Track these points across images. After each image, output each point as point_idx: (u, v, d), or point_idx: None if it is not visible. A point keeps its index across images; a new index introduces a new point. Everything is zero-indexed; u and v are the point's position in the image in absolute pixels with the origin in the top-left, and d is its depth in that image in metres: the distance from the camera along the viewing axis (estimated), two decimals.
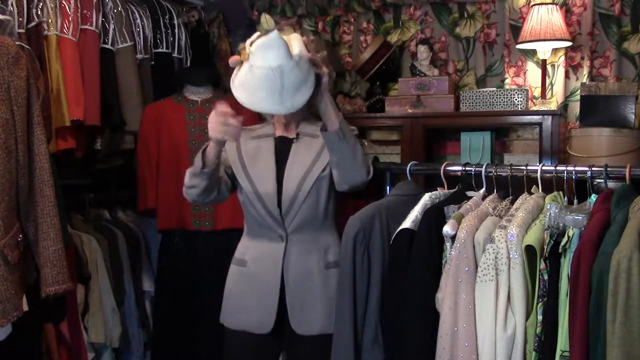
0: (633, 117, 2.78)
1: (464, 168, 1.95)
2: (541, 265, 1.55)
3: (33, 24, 2.44)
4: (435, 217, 1.71)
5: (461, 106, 3.02)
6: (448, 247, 1.65)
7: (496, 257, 1.56)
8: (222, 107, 1.79)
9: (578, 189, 1.82)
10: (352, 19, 3.59)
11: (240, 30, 3.72)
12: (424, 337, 1.64)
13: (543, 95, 2.99)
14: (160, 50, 3.10)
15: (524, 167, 1.88)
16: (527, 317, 1.54)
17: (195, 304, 2.75)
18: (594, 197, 1.68)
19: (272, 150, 2.02)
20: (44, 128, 1.92)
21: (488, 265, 1.56)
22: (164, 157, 2.75)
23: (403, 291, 1.69)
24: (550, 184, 1.82)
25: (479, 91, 3.01)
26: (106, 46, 2.78)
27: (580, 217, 1.55)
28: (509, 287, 1.55)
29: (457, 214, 1.69)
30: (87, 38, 2.66)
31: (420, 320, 1.65)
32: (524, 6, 3.19)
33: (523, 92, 2.93)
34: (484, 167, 1.91)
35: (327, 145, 1.88)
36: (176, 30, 3.18)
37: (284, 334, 2.01)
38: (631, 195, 1.60)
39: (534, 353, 1.54)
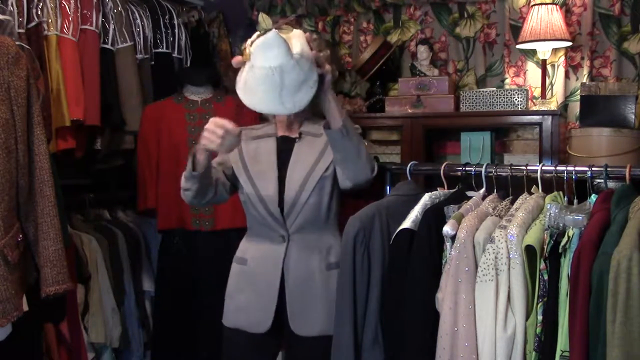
0: (633, 117, 2.78)
1: (464, 168, 1.95)
2: (541, 265, 1.55)
3: (33, 24, 2.44)
4: (435, 217, 1.71)
5: (461, 106, 3.02)
6: (448, 247, 1.65)
7: (496, 257, 1.56)
8: (219, 119, 1.79)
9: (578, 189, 1.82)
10: (352, 19, 3.59)
11: (240, 30, 3.72)
12: (424, 337, 1.63)
13: (543, 95, 2.99)
14: (160, 50, 3.10)
15: (524, 167, 1.87)
16: (527, 317, 1.54)
17: (195, 304, 2.75)
18: (594, 197, 1.68)
19: (274, 150, 2.01)
20: (44, 128, 1.92)
21: (488, 265, 1.55)
22: (164, 157, 2.75)
23: (403, 291, 1.69)
24: (550, 184, 1.82)
25: (479, 91, 3.01)
26: (106, 46, 2.78)
27: (580, 217, 1.55)
28: (509, 287, 1.55)
29: (457, 214, 1.69)
30: (87, 38, 2.66)
31: (420, 320, 1.65)
32: (524, 6, 3.19)
33: (523, 92, 2.93)
34: (484, 167, 1.91)
35: (331, 142, 1.87)
36: (176, 30, 3.18)
37: (282, 334, 2.01)
38: (631, 195, 1.60)
39: (534, 353, 1.53)
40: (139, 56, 2.96)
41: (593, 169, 1.76)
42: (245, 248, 2.06)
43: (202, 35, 3.44)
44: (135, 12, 2.98)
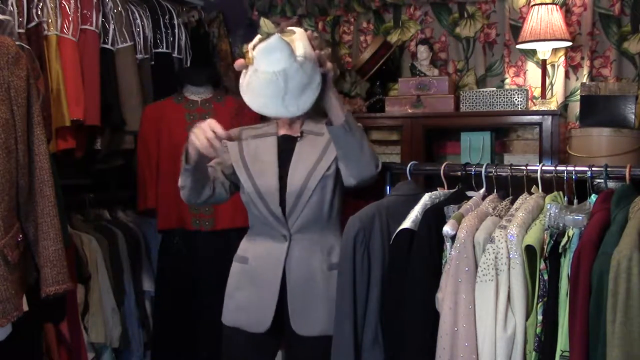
0: (633, 117, 2.78)
1: (464, 168, 1.95)
2: (541, 265, 1.55)
3: (33, 24, 2.44)
4: (435, 217, 1.71)
5: (461, 106, 3.02)
6: (448, 247, 1.65)
7: (496, 257, 1.56)
8: (215, 123, 1.79)
9: (578, 189, 1.82)
10: (352, 19, 3.59)
11: (240, 30, 3.73)
12: (424, 337, 1.63)
13: (543, 95, 2.99)
14: (160, 50, 3.10)
15: (524, 167, 1.87)
16: (527, 317, 1.54)
17: (195, 304, 2.75)
18: (594, 197, 1.68)
19: (275, 149, 2.01)
20: (44, 128, 1.92)
21: (488, 265, 1.55)
22: (164, 157, 2.75)
23: (403, 291, 1.69)
24: (550, 184, 1.82)
25: (479, 91, 3.01)
26: (106, 46, 2.79)
27: (580, 217, 1.55)
28: (509, 287, 1.55)
29: (457, 214, 1.69)
30: (87, 38, 2.66)
31: (420, 320, 1.65)
32: (524, 6, 3.19)
33: (523, 92, 2.93)
34: (484, 167, 1.91)
35: (334, 139, 1.86)
36: (176, 30, 3.18)
37: (281, 333, 2.00)
38: (631, 195, 1.60)
39: (534, 353, 1.53)
40: (139, 56, 2.96)
41: (593, 169, 1.76)
42: (247, 247, 2.05)
43: (202, 35, 3.44)
44: (135, 12, 2.98)
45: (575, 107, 3.07)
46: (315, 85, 1.72)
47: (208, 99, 2.79)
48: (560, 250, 1.54)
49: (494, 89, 3.03)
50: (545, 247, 1.55)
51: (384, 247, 1.82)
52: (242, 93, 1.75)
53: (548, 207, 1.60)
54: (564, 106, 3.10)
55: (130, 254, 2.93)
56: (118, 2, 2.84)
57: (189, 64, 3.25)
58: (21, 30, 2.38)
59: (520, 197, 1.79)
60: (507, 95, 2.95)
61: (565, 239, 1.54)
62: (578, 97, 2.98)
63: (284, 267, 1.95)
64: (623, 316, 1.34)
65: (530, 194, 1.81)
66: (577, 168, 1.80)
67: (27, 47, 2.36)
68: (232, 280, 2.07)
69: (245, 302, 2.00)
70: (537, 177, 1.84)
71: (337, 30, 3.63)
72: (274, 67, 1.63)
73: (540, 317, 1.54)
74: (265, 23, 1.66)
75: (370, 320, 1.79)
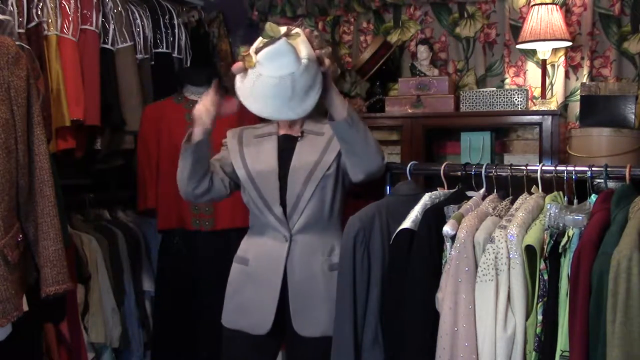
0: (633, 117, 2.78)
1: (464, 168, 1.95)
2: (541, 265, 1.55)
3: (33, 24, 2.44)
4: (435, 217, 1.71)
5: (461, 106, 3.02)
6: (448, 247, 1.65)
7: (496, 257, 1.56)
8: (212, 97, 1.83)
9: (578, 189, 1.82)
10: (352, 19, 3.59)
11: (240, 30, 3.73)
12: (424, 337, 1.63)
13: (543, 95, 2.99)
14: (160, 50, 3.10)
15: (524, 167, 1.87)
16: (527, 317, 1.54)
17: (195, 304, 2.75)
18: (594, 197, 1.68)
19: (275, 149, 2.00)
20: (44, 128, 1.92)
21: (488, 265, 1.56)
22: (164, 157, 2.75)
23: (403, 291, 1.69)
24: (550, 184, 1.82)
25: (479, 91, 3.01)
26: (106, 46, 2.79)
27: (580, 217, 1.55)
28: (509, 287, 1.55)
29: (457, 214, 1.69)
30: (87, 38, 2.66)
31: (420, 320, 1.65)
32: (524, 6, 3.19)
33: (523, 92, 2.93)
34: (484, 167, 1.91)
35: (338, 135, 1.84)
36: (176, 30, 3.18)
37: (282, 335, 2.00)
38: (631, 195, 1.60)
39: (534, 353, 1.53)
40: (139, 56, 2.96)
41: (593, 169, 1.76)
42: (247, 248, 2.05)
43: (202, 35, 3.44)
44: (135, 12, 2.98)
45: (575, 107, 3.07)
46: (318, 84, 1.70)
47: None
48: (560, 250, 1.54)
49: (494, 89, 3.03)
50: (545, 247, 1.55)
51: (384, 247, 1.82)
52: (243, 97, 1.70)
53: (548, 207, 1.60)
54: (564, 106, 3.10)
55: (130, 254, 2.93)
56: (118, 2, 2.84)
57: (189, 64, 3.25)
58: (21, 30, 2.38)
59: (520, 197, 1.79)
60: (507, 95, 2.95)
61: (565, 239, 1.54)
62: (578, 97, 2.98)
63: (285, 267, 1.94)
64: (623, 316, 1.34)
65: (530, 194, 1.81)
66: (577, 168, 1.80)
67: (27, 47, 2.36)
68: (232, 281, 2.06)
69: (246, 304, 1.99)
70: (537, 177, 1.84)
71: (337, 30, 3.63)
72: (280, 72, 1.59)
73: (540, 317, 1.54)
74: (271, 27, 1.63)
75: (370, 320, 1.79)
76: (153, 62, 3.07)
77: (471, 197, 1.84)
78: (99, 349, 2.76)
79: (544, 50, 2.99)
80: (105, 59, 2.76)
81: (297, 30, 1.67)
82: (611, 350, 1.35)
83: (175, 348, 2.79)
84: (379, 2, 3.44)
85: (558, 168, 1.83)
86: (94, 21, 2.68)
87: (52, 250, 1.91)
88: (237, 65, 1.68)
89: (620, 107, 2.80)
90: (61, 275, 1.94)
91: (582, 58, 3.09)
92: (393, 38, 3.46)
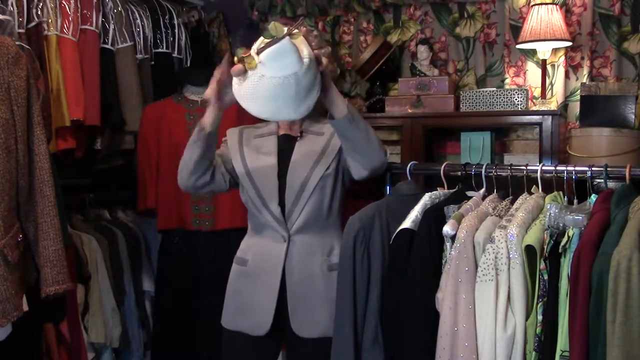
0: (633, 117, 2.78)
1: (464, 168, 1.95)
2: (541, 265, 1.55)
3: (33, 24, 2.44)
4: (435, 217, 1.71)
5: (461, 106, 3.02)
6: (448, 247, 1.65)
7: (496, 257, 1.56)
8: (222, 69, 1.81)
9: (578, 189, 1.82)
10: (352, 19, 3.59)
11: (240, 30, 3.73)
12: (424, 337, 1.63)
13: (543, 95, 2.99)
14: (160, 50, 3.10)
15: (524, 167, 1.87)
16: (527, 317, 1.54)
17: (195, 304, 2.75)
18: (594, 197, 1.68)
19: (275, 149, 2.00)
20: (44, 128, 1.92)
21: (488, 265, 1.56)
22: (164, 157, 2.75)
23: (403, 291, 1.69)
24: (550, 184, 1.82)
25: (479, 91, 3.01)
26: (106, 46, 2.78)
27: (580, 217, 1.55)
28: (509, 287, 1.55)
29: (457, 214, 1.69)
30: (87, 38, 2.66)
31: (420, 320, 1.65)
32: (524, 6, 3.19)
33: (523, 92, 2.93)
34: (484, 167, 1.91)
35: (340, 133, 1.84)
36: (176, 30, 3.18)
37: (282, 336, 2.00)
38: (631, 195, 1.60)
39: (534, 353, 1.53)
40: (139, 56, 2.96)
41: (593, 169, 1.76)
42: (246, 248, 2.04)
43: (202, 35, 3.44)
44: (135, 12, 2.98)
45: (575, 107, 3.07)
46: (318, 84, 1.70)
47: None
48: (560, 250, 1.54)
49: (494, 89, 3.03)
50: (545, 247, 1.55)
51: (384, 247, 1.82)
52: (243, 100, 1.67)
53: (548, 207, 1.60)
54: (564, 106, 3.10)
55: (130, 254, 2.93)
56: (118, 2, 2.84)
57: (189, 64, 3.25)
58: (21, 30, 2.38)
59: (520, 197, 1.79)
60: (507, 95, 2.95)
61: (565, 239, 1.54)
62: (578, 97, 2.98)
63: (284, 268, 1.94)
64: (623, 316, 1.34)
65: (530, 194, 1.81)
66: (577, 168, 1.80)
67: (27, 47, 2.36)
68: (231, 282, 2.06)
69: (245, 305, 1.99)
70: (537, 177, 1.84)
71: (337, 30, 3.63)
72: (284, 72, 1.57)
73: (540, 317, 1.54)
74: (275, 26, 1.60)
75: (370, 320, 1.79)
76: (153, 62, 3.06)
77: (471, 197, 1.84)
78: (99, 349, 2.76)
79: (544, 50, 2.99)
80: (105, 59, 2.76)
81: (298, 30, 1.66)
82: (611, 350, 1.35)
83: (175, 348, 2.79)
84: (379, 2, 3.44)
85: (558, 168, 1.83)
86: (94, 21, 2.68)
87: (52, 250, 1.91)
88: (237, 67, 1.63)
89: (620, 107, 2.80)
90: (61, 275, 1.94)
91: (582, 58, 3.09)
92: (393, 38, 3.46)
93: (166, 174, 2.72)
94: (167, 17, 3.15)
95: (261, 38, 1.64)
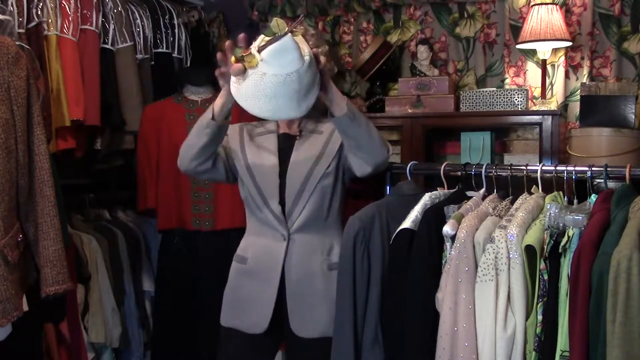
0: (633, 117, 2.78)
1: (464, 168, 1.95)
2: (541, 265, 1.55)
3: (33, 24, 2.44)
4: (435, 217, 1.71)
5: (461, 106, 3.02)
6: (448, 247, 1.65)
7: (496, 257, 1.56)
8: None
9: (578, 189, 1.82)
10: (352, 19, 3.59)
11: (240, 30, 3.72)
12: (424, 337, 1.63)
13: (543, 95, 2.99)
14: (160, 50, 3.10)
15: (524, 167, 1.87)
16: (527, 317, 1.54)
17: (195, 304, 2.75)
18: (594, 197, 1.68)
19: (275, 147, 2.00)
20: (44, 128, 1.92)
21: (488, 265, 1.56)
22: (164, 157, 2.75)
23: (403, 291, 1.69)
24: (550, 184, 1.82)
25: (479, 91, 3.01)
26: (106, 46, 2.78)
27: (580, 217, 1.55)
28: (509, 287, 1.55)
29: (457, 214, 1.69)
30: (87, 38, 2.66)
31: (420, 320, 1.65)
32: (524, 6, 3.19)
33: (523, 92, 2.94)
34: (484, 167, 1.91)
35: (341, 131, 1.83)
36: (176, 30, 3.18)
37: (280, 335, 1.99)
38: (631, 195, 1.60)
39: (534, 353, 1.53)
40: (139, 56, 2.96)
41: (593, 169, 1.76)
42: (246, 246, 2.04)
43: (202, 35, 3.44)
44: (135, 12, 2.98)
45: (575, 107, 3.08)
46: (317, 82, 1.69)
47: (208, 99, 2.79)
48: (560, 250, 1.54)
49: (494, 89, 3.03)
50: (545, 247, 1.55)
51: (384, 247, 1.82)
52: (243, 99, 1.64)
53: (548, 207, 1.60)
54: (564, 106, 3.11)
55: (130, 254, 2.93)
56: (118, 2, 2.84)
57: (189, 64, 3.25)
58: (21, 30, 2.38)
59: (520, 197, 1.79)
60: (507, 95, 2.95)
61: (565, 239, 1.54)
62: (578, 97, 2.98)
63: (283, 267, 1.94)
64: (623, 316, 1.34)
65: (530, 194, 1.81)
66: (577, 168, 1.80)
67: (27, 47, 2.35)
68: (230, 280, 2.06)
69: (243, 303, 1.98)
70: (537, 177, 1.84)
71: (337, 30, 3.63)
72: (287, 69, 1.55)
73: (540, 317, 1.54)
74: (278, 23, 1.58)
75: (370, 320, 1.79)
76: (153, 62, 3.06)
77: (471, 197, 1.84)
78: (99, 349, 2.76)
79: (544, 50, 2.99)
80: (105, 59, 2.76)
81: (300, 27, 1.65)
82: (611, 350, 1.35)
83: (175, 348, 2.79)
84: (379, 2, 3.44)
85: (558, 168, 1.83)
86: (94, 21, 2.68)
87: (52, 250, 1.91)
88: (236, 67, 1.60)
89: (620, 107, 2.80)
90: (61, 275, 1.93)
91: (582, 58, 3.09)
92: (393, 38, 3.47)
93: (166, 174, 2.72)
94: (167, 17, 3.15)
95: (261, 36, 1.62)
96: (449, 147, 3.16)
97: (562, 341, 1.49)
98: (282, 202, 1.94)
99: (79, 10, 2.61)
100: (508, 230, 1.58)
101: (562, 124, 2.89)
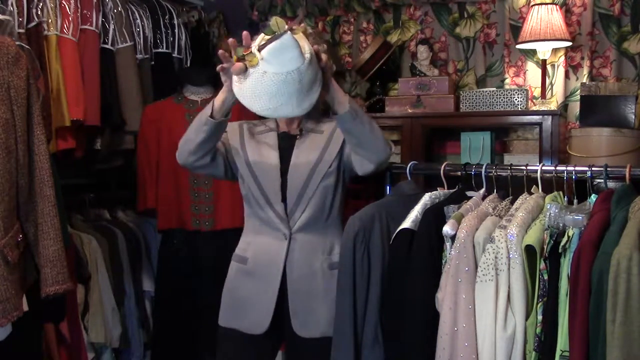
0: (633, 117, 2.78)
1: (464, 168, 1.95)
2: (541, 265, 1.55)
3: (33, 24, 2.44)
4: (435, 217, 1.71)
5: (461, 106, 3.02)
6: (448, 247, 1.65)
7: (496, 257, 1.56)
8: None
9: (578, 189, 1.82)
10: (352, 19, 3.59)
11: (240, 30, 3.72)
12: (424, 337, 1.63)
13: (543, 95, 2.99)
14: (160, 50, 3.10)
15: (524, 167, 1.87)
16: (527, 317, 1.54)
17: (195, 304, 2.75)
18: (594, 197, 1.68)
19: (276, 145, 1.99)
20: (44, 128, 1.92)
21: (488, 265, 1.56)
22: (164, 157, 2.75)
23: (403, 291, 1.69)
24: (550, 184, 1.82)
25: (479, 91, 3.01)
26: (106, 46, 2.78)
27: (580, 217, 1.55)
28: (509, 287, 1.55)
29: (457, 214, 1.69)
30: (87, 38, 2.66)
31: (420, 320, 1.65)
32: (524, 6, 3.19)
33: (523, 92, 2.94)
34: (484, 167, 1.91)
35: (344, 128, 1.82)
36: (176, 30, 3.18)
37: (279, 335, 1.98)
38: (631, 195, 1.60)
39: (534, 353, 1.54)
40: (139, 56, 2.96)
41: (593, 169, 1.76)
42: (246, 246, 2.02)
43: (202, 35, 3.44)
44: (135, 12, 2.98)
45: (575, 107, 3.08)
46: (319, 80, 1.69)
47: (208, 98, 2.79)
48: (560, 250, 1.54)
49: (494, 89, 3.03)
50: (545, 247, 1.55)
51: (384, 247, 1.81)
52: (245, 98, 1.65)
53: (548, 207, 1.60)
54: (564, 106, 3.11)
55: (130, 254, 2.93)
56: (118, 2, 2.84)
57: (189, 64, 3.25)
58: (21, 30, 2.38)
59: (520, 197, 1.79)
60: (507, 95, 2.95)
61: (565, 239, 1.54)
62: (578, 97, 2.98)
63: (284, 266, 1.93)
64: (623, 316, 1.34)
65: (530, 194, 1.81)
66: (577, 168, 1.80)
67: (27, 47, 2.36)
68: (229, 280, 2.04)
69: (243, 303, 1.97)
70: (537, 177, 1.84)
71: (337, 30, 3.63)
72: (287, 67, 1.56)
73: (540, 317, 1.54)
74: (277, 21, 1.59)
75: (370, 319, 1.79)
76: (153, 62, 3.06)
77: (471, 197, 1.84)
78: (99, 349, 2.76)
79: (544, 50, 3.00)
80: (105, 59, 2.76)
81: (299, 27, 1.66)
82: (611, 350, 1.35)
83: (175, 348, 2.79)
84: (379, 2, 3.44)
85: (558, 168, 1.83)
86: (94, 21, 2.68)
87: (52, 250, 1.91)
88: (238, 66, 1.61)
89: (620, 107, 2.80)
90: (61, 275, 1.93)
91: (582, 58, 3.09)
92: (393, 38, 3.47)
93: (166, 174, 2.72)
94: (167, 17, 3.15)
95: (262, 35, 1.63)
96: (449, 147, 3.16)
97: (562, 341, 1.49)
98: (283, 201, 1.94)
99: (79, 10, 2.61)
100: (508, 230, 1.58)
101: (562, 124, 2.89)
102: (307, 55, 1.59)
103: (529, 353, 1.54)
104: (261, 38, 1.62)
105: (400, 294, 1.69)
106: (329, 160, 1.94)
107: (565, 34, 2.89)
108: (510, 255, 1.55)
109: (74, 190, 2.80)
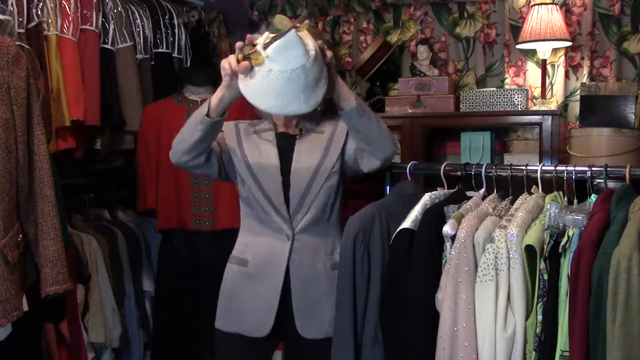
0: (633, 117, 2.78)
1: (464, 168, 1.95)
2: (541, 265, 1.55)
3: (33, 24, 2.44)
4: (435, 217, 1.71)
5: (461, 106, 3.02)
6: (448, 247, 1.65)
7: (496, 257, 1.56)
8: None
9: (578, 189, 1.82)
10: (352, 19, 3.59)
11: (240, 30, 3.73)
12: (424, 337, 1.63)
13: (543, 95, 2.99)
14: (160, 50, 3.10)
15: (524, 167, 1.87)
16: (527, 317, 1.54)
17: (195, 304, 2.75)
18: (594, 197, 1.68)
19: (275, 146, 1.97)
20: (44, 128, 1.92)
21: (488, 265, 1.56)
22: (164, 157, 2.74)
23: (403, 291, 1.69)
24: (550, 184, 1.82)
25: (479, 91, 3.01)
26: (106, 46, 2.78)
27: (580, 217, 1.55)
28: (509, 287, 1.55)
29: (457, 214, 1.69)
30: (87, 38, 2.66)
31: (420, 320, 1.65)
32: (524, 6, 3.19)
33: (523, 92, 2.94)
34: (484, 167, 1.91)
35: (350, 125, 1.82)
36: (176, 30, 3.18)
37: (279, 336, 1.97)
38: (631, 195, 1.60)
39: (534, 353, 1.53)
40: (139, 56, 2.96)
41: (593, 169, 1.76)
42: (245, 248, 1.99)
43: (202, 35, 3.44)
44: (135, 12, 2.98)
45: (575, 107, 3.08)
46: (324, 77, 1.68)
47: (208, 98, 2.79)
48: (560, 250, 1.54)
49: (494, 89, 3.03)
50: (545, 247, 1.55)
51: (384, 247, 1.81)
52: (250, 96, 1.65)
53: (548, 207, 1.60)
54: (564, 106, 3.11)
55: (130, 254, 2.93)
56: (118, 2, 2.84)
57: (189, 64, 3.25)
58: (21, 30, 2.38)
59: (520, 197, 1.79)
60: (507, 95, 2.95)
61: (565, 239, 1.54)
62: (578, 97, 2.98)
63: (287, 267, 1.91)
64: (623, 316, 1.34)
65: (530, 194, 1.81)
66: (577, 168, 1.81)
67: (27, 47, 2.36)
68: (228, 283, 2.00)
69: (244, 306, 1.94)
70: (537, 177, 1.84)
71: (337, 30, 3.63)
72: (292, 65, 1.56)
73: (540, 317, 1.54)
74: (280, 20, 1.60)
75: (370, 319, 1.79)
76: (153, 62, 3.06)
77: (471, 197, 1.84)
78: (99, 349, 2.76)
79: (544, 50, 3.00)
80: (105, 59, 2.76)
81: (303, 25, 1.65)
82: (611, 350, 1.35)
83: (175, 348, 2.79)
84: (379, 2, 3.44)
85: (558, 168, 1.83)
86: (94, 21, 2.68)
87: (52, 250, 1.91)
88: (243, 65, 1.62)
89: (620, 107, 2.80)
90: (61, 275, 1.93)
91: (582, 58, 3.09)
92: (393, 38, 3.47)
93: (166, 174, 2.72)
94: (167, 17, 3.15)
95: (266, 33, 1.64)
96: (449, 147, 3.16)
97: (562, 341, 1.49)
98: (286, 202, 1.92)
99: (79, 10, 2.61)
100: (508, 230, 1.58)
101: (562, 124, 2.89)
102: (312, 52, 1.59)
103: (529, 353, 1.54)
104: (266, 36, 1.63)
105: (400, 294, 1.69)
106: (332, 161, 1.93)
107: (565, 34, 2.89)
108: (510, 255, 1.55)
109: (74, 190, 2.80)
